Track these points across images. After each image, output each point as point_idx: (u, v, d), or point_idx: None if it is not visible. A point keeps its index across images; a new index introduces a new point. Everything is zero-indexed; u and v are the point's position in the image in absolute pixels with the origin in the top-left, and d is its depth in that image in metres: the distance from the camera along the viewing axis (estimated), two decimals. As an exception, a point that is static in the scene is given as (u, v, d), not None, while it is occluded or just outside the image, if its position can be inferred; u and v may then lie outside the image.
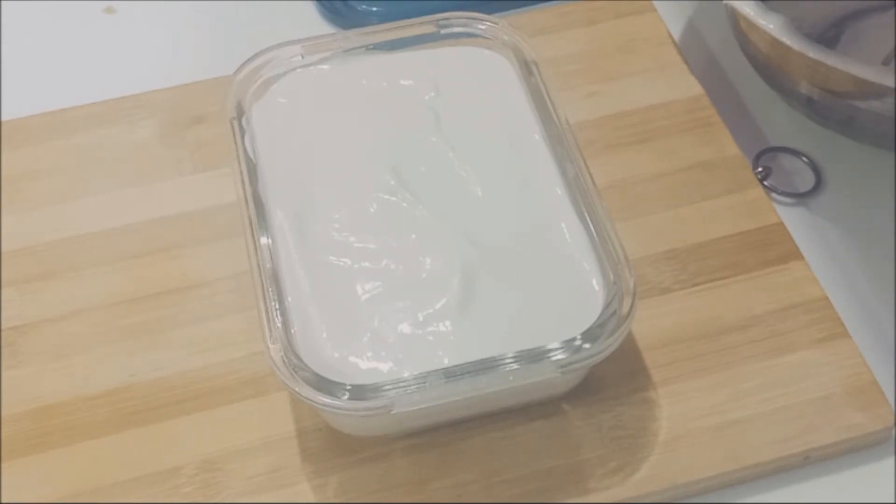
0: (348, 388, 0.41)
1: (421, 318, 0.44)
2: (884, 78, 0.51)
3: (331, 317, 0.44)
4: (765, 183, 0.56)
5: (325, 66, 0.52)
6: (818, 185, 0.57)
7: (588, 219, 0.47)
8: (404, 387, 0.42)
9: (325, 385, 0.41)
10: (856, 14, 0.61)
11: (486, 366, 0.42)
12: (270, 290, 0.44)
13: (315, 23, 0.65)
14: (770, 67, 0.57)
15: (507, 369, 0.42)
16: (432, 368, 0.42)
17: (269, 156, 0.49)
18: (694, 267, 0.52)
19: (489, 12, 0.54)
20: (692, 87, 0.59)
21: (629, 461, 0.46)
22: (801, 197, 0.56)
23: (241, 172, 0.48)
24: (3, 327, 0.50)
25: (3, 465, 0.46)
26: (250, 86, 0.51)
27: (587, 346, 0.43)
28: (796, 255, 0.52)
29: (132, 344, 0.50)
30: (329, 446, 0.46)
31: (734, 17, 0.56)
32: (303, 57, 0.52)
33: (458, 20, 0.53)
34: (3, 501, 0.46)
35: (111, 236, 0.53)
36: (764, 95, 0.60)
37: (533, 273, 0.46)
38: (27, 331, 0.50)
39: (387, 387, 0.42)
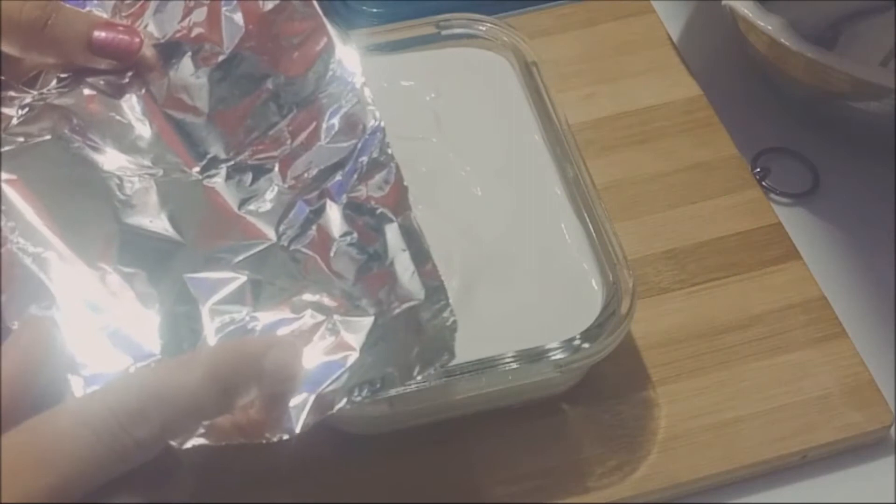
0: (349, 387, 0.41)
1: (421, 318, 0.44)
2: (882, 78, 0.52)
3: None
4: (763, 183, 0.56)
5: (325, 67, 0.52)
6: (816, 185, 0.57)
7: (587, 219, 0.47)
8: (404, 386, 0.42)
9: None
10: (854, 15, 0.62)
11: (486, 365, 0.43)
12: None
13: (315, 24, 0.65)
14: (768, 68, 0.57)
15: (507, 369, 0.43)
16: (432, 368, 0.42)
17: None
18: (692, 267, 0.52)
19: (489, 13, 0.54)
20: (691, 88, 0.59)
21: (628, 460, 0.46)
22: (799, 197, 0.57)
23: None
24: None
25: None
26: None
27: (586, 345, 0.43)
28: (794, 255, 0.52)
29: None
30: (329, 446, 0.46)
31: (733, 18, 0.56)
32: (304, 58, 0.52)
33: (459, 21, 0.54)
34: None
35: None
36: (762, 96, 0.60)
37: (532, 273, 0.46)
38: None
39: (387, 386, 0.42)
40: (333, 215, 0.40)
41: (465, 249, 0.46)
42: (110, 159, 0.42)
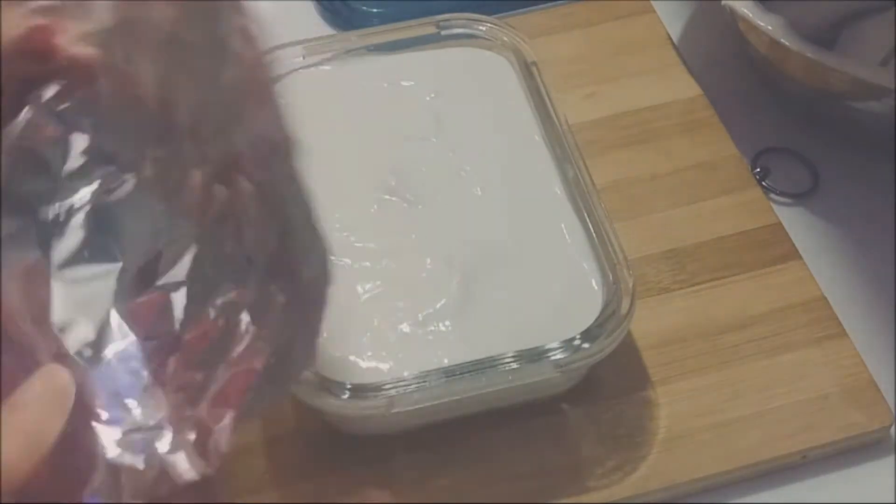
0: (349, 387, 0.42)
1: (421, 318, 0.44)
2: (882, 78, 0.52)
3: (331, 316, 0.44)
4: (763, 183, 0.56)
5: (326, 67, 0.53)
6: (816, 185, 0.57)
7: (587, 219, 0.47)
8: (404, 386, 0.42)
9: (325, 384, 0.42)
10: (854, 15, 0.61)
11: (486, 365, 0.43)
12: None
13: (316, 24, 0.65)
14: (768, 68, 0.57)
15: (507, 369, 0.43)
16: (432, 368, 0.43)
17: (269, 156, 0.49)
18: (692, 267, 0.52)
19: (489, 13, 0.54)
20: (691, 88, 0.59)
21: (628, 460, 0.46)
22: (799, 197, 0.57)
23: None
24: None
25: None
26: (251, 87, 0.51)
27: (586, 345, 0.43)
28: (794, 254, 0.52)
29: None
30: (329, 446, 0.47)
31: (733, 18, 0.56)
32: (304, 58, 0.52)
33: (459, 21, 0.54)
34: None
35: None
36: (762, 96, 0.60)
37: (532, 273, 0.46)
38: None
39: (387, 386, 0.42)
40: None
41: (465, 249, 0.46)
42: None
